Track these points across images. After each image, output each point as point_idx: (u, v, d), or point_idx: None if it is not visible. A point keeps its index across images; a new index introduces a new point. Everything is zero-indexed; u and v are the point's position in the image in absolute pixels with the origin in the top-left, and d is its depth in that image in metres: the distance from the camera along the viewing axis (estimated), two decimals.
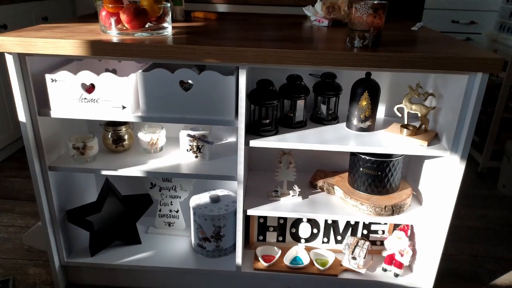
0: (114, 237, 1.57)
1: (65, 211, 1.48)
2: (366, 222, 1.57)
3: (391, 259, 1.50)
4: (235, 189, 1.67)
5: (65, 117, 1.28)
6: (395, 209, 1.38)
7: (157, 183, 1.63)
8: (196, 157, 1.44)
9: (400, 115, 1.38)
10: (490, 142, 2.42)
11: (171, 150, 1.51)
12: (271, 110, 1.33)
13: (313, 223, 1.57)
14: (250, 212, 1.40)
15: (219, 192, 1.64)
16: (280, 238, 1.60)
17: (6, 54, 1.18)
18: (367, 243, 1.48)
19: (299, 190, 1.47)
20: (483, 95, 1.17)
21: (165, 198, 1.66)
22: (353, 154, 1.45)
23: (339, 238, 1.59)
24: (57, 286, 1.53)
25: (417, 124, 1.36)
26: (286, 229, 1.58)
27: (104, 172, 1.37)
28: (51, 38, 1.14)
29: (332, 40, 1.29)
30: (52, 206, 1.40)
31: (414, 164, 1.57)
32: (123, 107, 1.26)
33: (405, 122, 1.37)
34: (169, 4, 1.27)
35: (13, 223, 1.92)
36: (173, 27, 1.38)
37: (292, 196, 1.46)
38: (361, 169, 1.42)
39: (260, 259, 1.50)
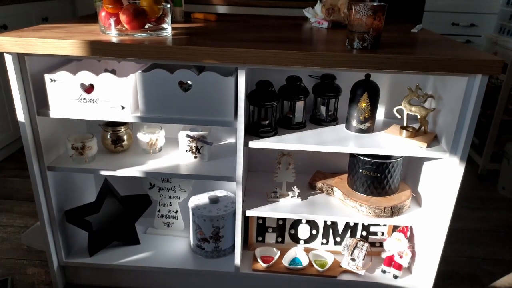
0: (113, 237, 1.56)
1: (63, 211, 1.48)
2: (365, 224, 1.56)
3: (390, 261, 1.49)
4: (234, 190, 1.67)
5: (64, 117, 1.27)
6: (394, 211, 1.38)
7: (156, 184, 1.63)
8: (195, 157, 1.44)
9: (399, 116, 1.38)
10: (490, 144, 2.41)
11: (170, 151, 1.51)
12: (270, 111, 1.33)
13: (312, 224, 1.57)
14: (249, 213, 1.40)
15: (218, 193, 1.63)
16: (279, 239, 1.59)
17: (5, 54, 1.18)
18: (366, 244, 1.48)
19: (298, 191, 1.47)
20: (483, 97, 1.17)
21: (164, 199, 1.66)
22: (352, 156, 1.45)
23: (338, 239, 1.59)
24: (55, 286, 1.52)
25: (416, 125, 1.36)
26: (285, 230, 1.58)
27: (103, 172, 1.37)
28: (50, 38, 1.14)
29: (332, 42, 1.29)
30: (50, 206, 1.39)
31: (413, 165, 1.57)
32: (122, 108, 1.26)
33: (405, 124, 1.37)
34: (168, 5, 1.27)
35: (11, 223, 1.92)
36: (173, 28, 1.38)
37: (291, 197, 1.46)
38: (361, 170, 1.41)
39: (259, 260, 1.50)
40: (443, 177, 1.32)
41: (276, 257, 1.52)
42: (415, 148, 1.30)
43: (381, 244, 1.59)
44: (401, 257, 1.46)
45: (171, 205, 1.67)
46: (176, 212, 1.68)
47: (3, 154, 2.54)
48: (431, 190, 1.41)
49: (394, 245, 1.47)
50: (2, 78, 2.40)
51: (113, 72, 1.45)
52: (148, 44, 1.14)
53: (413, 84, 1.41)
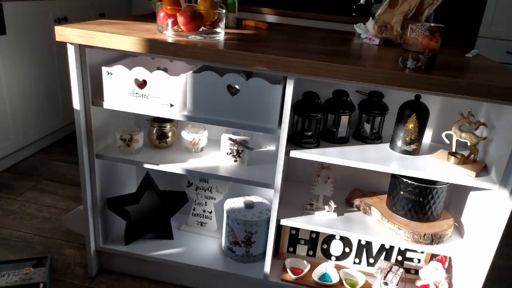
0: (149, 229, 1.61)
1: (105, 198, 1.54)
2: (402, 248, 1.51)
3: None
4: (269, 197, 1.67)
5: (117, 109, 1.33)
6: (435, 238, 1.32)
7: (194, 182, 1.66)
8: (235, 161, 1.46)
9: (448, 142, 1.33)
10: None
11: (211, 152, 1.54)
12: (314, 122, 1.32)
13: (345, 241, 1.53)
14: (283, 222, 1.40)
15: (254, 198, 1.64)
16: (311, 253, 1.57)
17: (68, 44, 1.26)
18: (401, 269, 1.42)
19: (335, 206, 1.44)
20: None
21: (200, 198, 1.69)
22: (394, 176, 1.41)
23: (371, 260, 1.54)
24: (90, 269, 1.59)
25: (465, 153, 1.31)
26: (318, 244, 1.56)
27: (146, 166, 1.41)
28: (111, 33, 1.20)
29: (383, 59, 1.27)
30: (94, 193, 1.46)
31: (458, 194, 1.50)
32: (171, 105, 1.30)
33: (453, 150, 1.32)
34: (224, 11, 1.30)
35: (55, 205, 2.02)
36: (225, 33, 1.41)
37: (327, 211, 1.44)
38: (402, 192, 1.37)
39: (288, 270, 1.49)
40: (490, 210, 1.25)
41: (306, 270, 1.50)
42: (463, 176, 1.25)
43: (416, 272, 1.53)
44: (437, 287, 1.40)
45: (206, 205, 1.69)
46: (210, 212, 1.70)
47: (51, 139, 2.68)
48: (476, 221, 1.34)
49: (431, 274, 1.41)
50: (58, 68, 2.54)
51: (165, 70, 1.50)
52: (203, 47, 1.17)
53: (465, 110, 1.36)
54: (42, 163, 2.41)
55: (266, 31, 1.63)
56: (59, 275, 1.58)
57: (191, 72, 1.27)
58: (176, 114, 1.30)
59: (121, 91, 1.31)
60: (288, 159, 1.59)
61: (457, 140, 1.31)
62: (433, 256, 1.48)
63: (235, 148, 1.44)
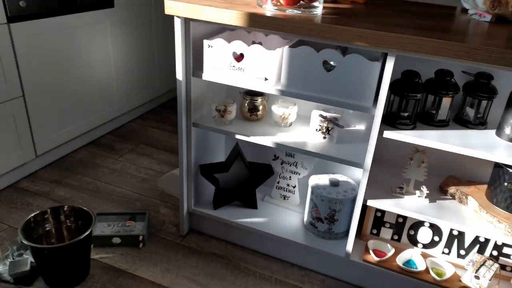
0: (235, 197, 1.69)
1: (198, 165, 1.64)
2: (499, 243, 1.40)
3: None
4: (354, 177, 1.65)
5: (215, 81, 1.39)
6: None
7: (280, 156, 1.70)
8: (324, 138, 1.45)
9: None
10: None
11: (299, 127, 1.55)
12: (412, 103, 1.26)
13: (435, 229, 1.46)
14: (370, 203, 1.38)
15: (339, 177, 1.63)
16: (396, 237, 1.53)
17: (175, 18, 1.33)
18: (496, 265, 1.33)
19: (427, 192, 1.38)
20: None
21: (285, 172, 1.72)
22: (498, 166, 1.30)
23: (462, 252, 1.46)
24: (182, 228, 1.72)
25: None
26: (404, 230, 1.51)
27: (237, 136, 1.47)
28: (215, 7, 1.25)
29: (495, 37, 1.15)
30: (189, 159, 1.56)
31: None
32: (266, 79, 1.33)
33: None
34: None
35: (151, 167, 2.21)
36: (323, 7, 1.38)
37: (418, 196, 1.38)
38: (506, 184, 1.26)
39: (371, 252, 1.47)
40: None
41: (390, 254, 1.47)
42: None
43: None
44: None
45: (290, 179, 1.72)
46: (294, 187, 1.73)
47: (148, 107, 2.90)
48: None
49: None
50: (157, 41, 2.71)
51: (260, 44, 1.52)
52: (301, 21, 1.16)
53: None
54: (140, 129, 2.63)
55: (364, 6, 1.56)
56: (154, 231, 1.74)
57: (287, 46, 1.27)
58: (270, 88, 1.33)
59: (219, 63, 1.36)
60: (378, 140, 1.54)
61: None
62: None
63: (325, 125, 1.44)
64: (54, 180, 2.03)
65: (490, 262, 1.34)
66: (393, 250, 1.48)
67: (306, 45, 1.25)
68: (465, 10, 1.55)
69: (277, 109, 1.51)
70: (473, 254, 1.38)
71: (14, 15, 1.75)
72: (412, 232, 1.50)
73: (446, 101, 1.30)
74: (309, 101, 1.33)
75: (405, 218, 1.49)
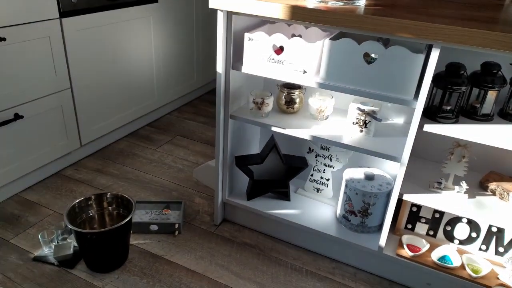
0: (269, 188, 1.72)
1: (234, 156, 1.68)
2: None
3: None
4: (390, 171, 1.64)
5: (254, 74, 1.42)
6: None
7: (314, 149, 1.71)
8: (361, 131, 1.45)
9: None
10: None
11: (336, 120, 1.55)
12: (455, 96, 1.24)
13: (473, 226, 1.44)
14: (406, 197, 1.37)
15: (373, 170, 1.62)
16: (431, 233, 1.52)
17: (218, 11, 1.36)
18: None
19: (467, 187, 1.36)
20: None
21: (319, 165, 1.73)
22: None
23: (501, 249, 1.43)
24: (216, 217, 1.76)
25: None
26: (440, 225, 1.49)
27: (273, 129, 1.49)
28: (258, 0, 1.26)
29: None
30: (225, 150, 1.60)
31: None
32: (304, 72, 1.34)
33: None
34: None
35: (186, 158, 2.26)
36: None
37: (457, 192, 1.36)
38: None
39: (405, 246, 1.47)
40: None
41: (424, 249, 1.45)
42: None
43: None
44: None
45: (324, 172, 1.73)
46: (327, 180, 1.74)
47: (185, 100, 2.96)
48: None
49: None
50: (196, 35, 2.76)
51: (300, 37, 1.53)
52: (344, 12, 1.17)
53: None
54: (177, 121, 2.70)
55: None
56: (189, 219, 1.79)
57: (328, 39, 1.28)
58: (309, 80, 1.34)
59: (258, 56, 1.39)
60: (417, 134, 1.53)
61: None
62: None
63: (362, 118, 1.43)
64: (97, 169, 2.12)
65: None
66: (428, 246, 1.46)
67: (346, 37, 1.26)
68: None
69: (314, 102, 1.52)
70: None
71: (66, 10, 1.83)
72: (448, 228, 1.48)
73: (491, 95, 1.27)
74: (346, 94, 1.33)
75: (442, 213, 1.47)
